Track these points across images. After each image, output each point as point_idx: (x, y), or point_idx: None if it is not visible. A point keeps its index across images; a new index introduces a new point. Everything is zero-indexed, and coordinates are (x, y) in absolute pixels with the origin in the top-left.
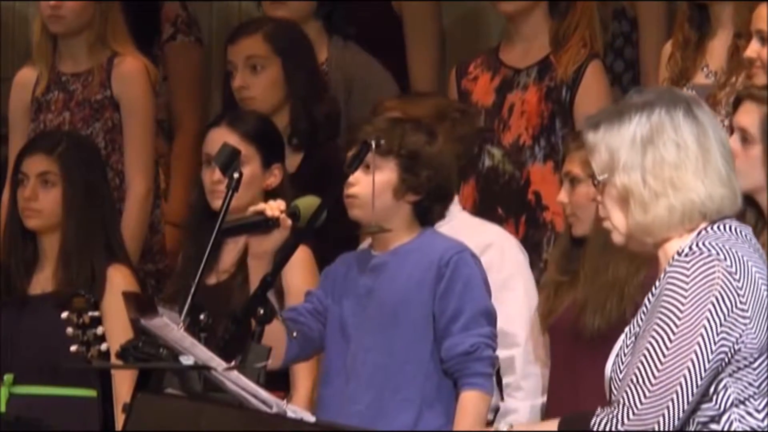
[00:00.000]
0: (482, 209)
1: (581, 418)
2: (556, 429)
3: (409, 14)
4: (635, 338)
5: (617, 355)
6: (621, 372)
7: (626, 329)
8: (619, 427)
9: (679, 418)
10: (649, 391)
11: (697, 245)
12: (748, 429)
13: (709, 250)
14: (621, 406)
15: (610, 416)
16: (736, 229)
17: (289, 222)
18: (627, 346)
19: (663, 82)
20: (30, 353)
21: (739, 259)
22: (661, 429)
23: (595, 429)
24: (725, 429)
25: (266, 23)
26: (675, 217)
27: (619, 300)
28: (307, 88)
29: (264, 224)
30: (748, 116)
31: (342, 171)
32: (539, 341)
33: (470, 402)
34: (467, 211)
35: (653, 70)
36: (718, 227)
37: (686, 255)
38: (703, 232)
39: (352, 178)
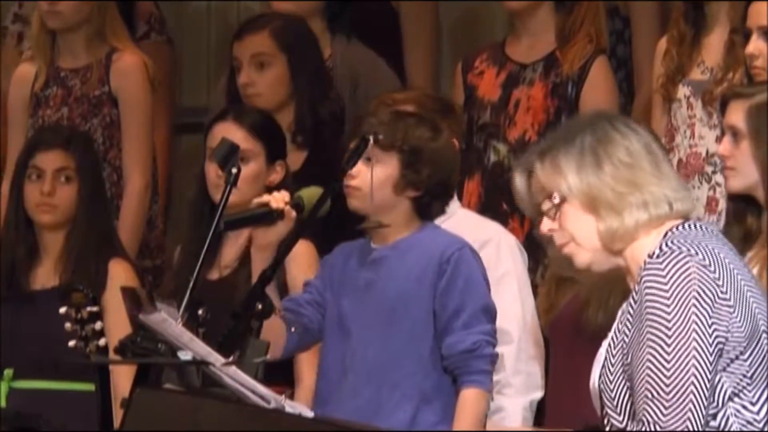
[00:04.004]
0: (487, 205)
1: None
2: None
3: (406, 11)
4: (623, 346)
5: (604, 366)
6: (611, 383)
7: (609, 336)
8: None
9: (704, 416)
10: (666, 401)
11: (666, 245)
12: (744, 428)
13: (679, 248)
14: (647, 423)
15: None
16: (701, 226)
17: (293, 213)
18: (613, 356)
19: (658, 78)
20: (33, 348)
21: (711, 252)
22: (694, 430)
23: None
24: (722, 425)
25: (273, 20)
26: (645, 215)
27: (621, 296)
28: (313, 86)
29: (268, 216)
30: (735, 114)
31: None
32: (533, 338)
33: (470, 399)
34: (472, 206)
35: (647, 68)
36: (683, 226)
37: (658, 256)
38: (669, 233)
39: (353, 170)
